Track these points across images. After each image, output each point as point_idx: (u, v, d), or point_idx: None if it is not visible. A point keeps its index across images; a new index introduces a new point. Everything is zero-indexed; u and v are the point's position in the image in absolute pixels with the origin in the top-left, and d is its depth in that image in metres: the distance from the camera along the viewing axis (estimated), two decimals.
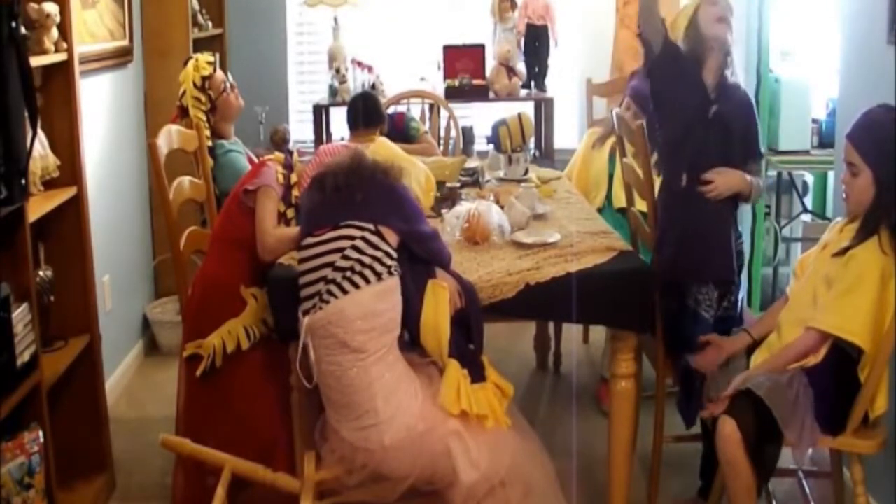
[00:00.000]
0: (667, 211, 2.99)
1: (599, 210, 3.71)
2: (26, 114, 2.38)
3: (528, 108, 4.87)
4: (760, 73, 4.12)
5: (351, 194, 2.47)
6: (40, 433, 2.58)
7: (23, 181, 2.38)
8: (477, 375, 2.48)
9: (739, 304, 3.03)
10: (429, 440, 2.39)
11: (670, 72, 2.93)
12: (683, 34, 2.94)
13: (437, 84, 5.28)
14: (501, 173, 3.85)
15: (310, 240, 2.47)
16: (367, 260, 2.40)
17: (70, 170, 2.95)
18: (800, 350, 2.51)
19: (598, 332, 4.20)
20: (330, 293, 2.39)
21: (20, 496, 2.49)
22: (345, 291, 2.38)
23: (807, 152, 4.27)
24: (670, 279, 2.92)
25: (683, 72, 2.92)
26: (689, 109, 2.90)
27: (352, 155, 2.57)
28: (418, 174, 3.17)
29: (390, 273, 2.42)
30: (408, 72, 5.44)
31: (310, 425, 2.59)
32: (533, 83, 5.34)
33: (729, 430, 2.41)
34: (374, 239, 2.42)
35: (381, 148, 3.24)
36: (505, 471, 2.41)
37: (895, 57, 2.74)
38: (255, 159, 3.55)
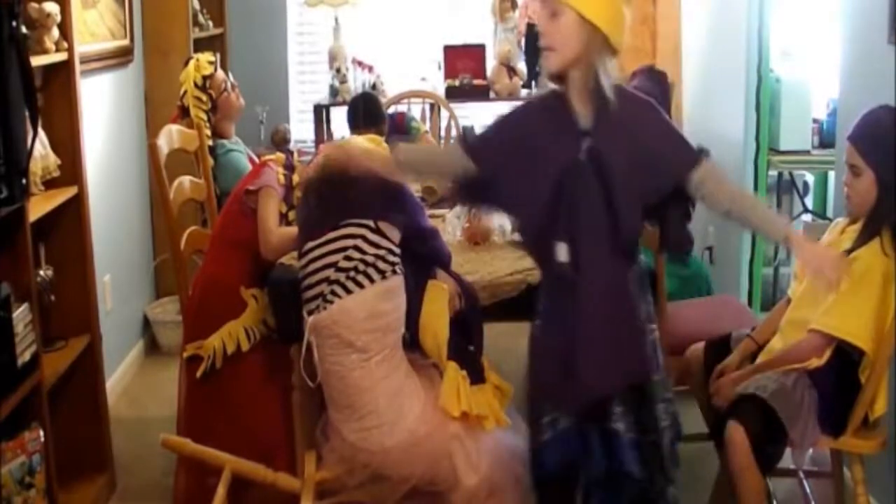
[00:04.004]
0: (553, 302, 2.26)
1: None
2: (27, 113, 2.38)
3: None
4: (761, 73, 4.11)
5: (342, 196, 2.46)
6: (41, 433, 2.58)
7: (23, 181, 2.38)
8: (476, 377, 2.48)
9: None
10: (430, 443, 2.39)
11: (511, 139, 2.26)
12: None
13: (437, 84, 5.27)
14: None
15: (310, 244, 2.46)
16: (370, 259, 2.39)
17: (70, 169, 2.95)
18: (802, 352, 2.51)
19: None
20: (334, 293, 2.39)
21: (21, 496, 2.49)
22: (349, 291, 2.38)
23: (807, 152, 4.26)
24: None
25: (530, 123, 2.24)
26: (551, 162, 2.17)
27: (321, 164, 2.54)
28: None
29: (394, 272, 2.41)
30: (408, 72, 5.44)
31: (311, 425, 2.59)
32: (534, 83, 5.33)
33: (738, 436, 2.40)
34: (374, 237, 2.41)
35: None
36: (505, 475, 2.41)
37: (895, 57, 2.74)
38: (256, 159, 3.55)
